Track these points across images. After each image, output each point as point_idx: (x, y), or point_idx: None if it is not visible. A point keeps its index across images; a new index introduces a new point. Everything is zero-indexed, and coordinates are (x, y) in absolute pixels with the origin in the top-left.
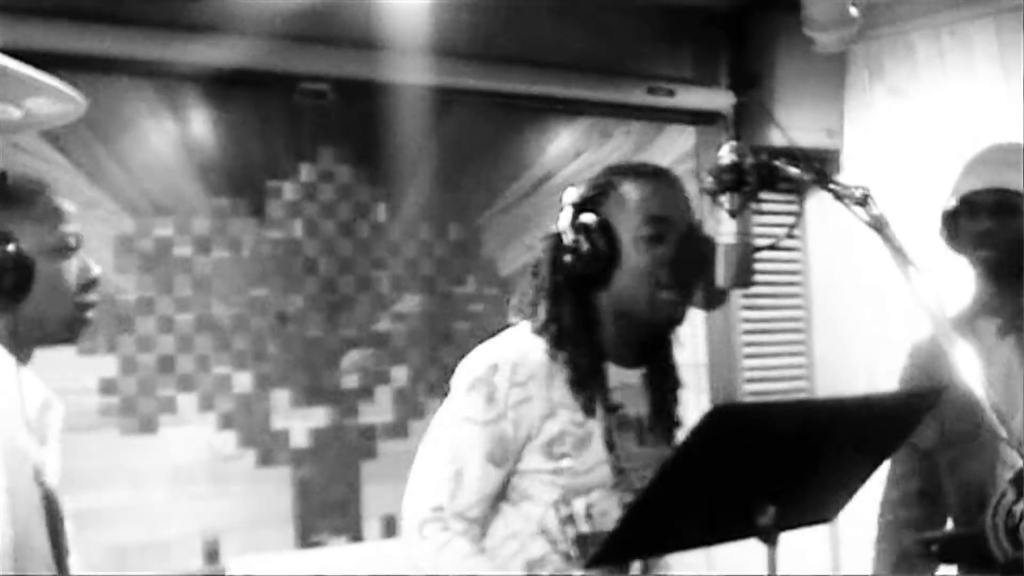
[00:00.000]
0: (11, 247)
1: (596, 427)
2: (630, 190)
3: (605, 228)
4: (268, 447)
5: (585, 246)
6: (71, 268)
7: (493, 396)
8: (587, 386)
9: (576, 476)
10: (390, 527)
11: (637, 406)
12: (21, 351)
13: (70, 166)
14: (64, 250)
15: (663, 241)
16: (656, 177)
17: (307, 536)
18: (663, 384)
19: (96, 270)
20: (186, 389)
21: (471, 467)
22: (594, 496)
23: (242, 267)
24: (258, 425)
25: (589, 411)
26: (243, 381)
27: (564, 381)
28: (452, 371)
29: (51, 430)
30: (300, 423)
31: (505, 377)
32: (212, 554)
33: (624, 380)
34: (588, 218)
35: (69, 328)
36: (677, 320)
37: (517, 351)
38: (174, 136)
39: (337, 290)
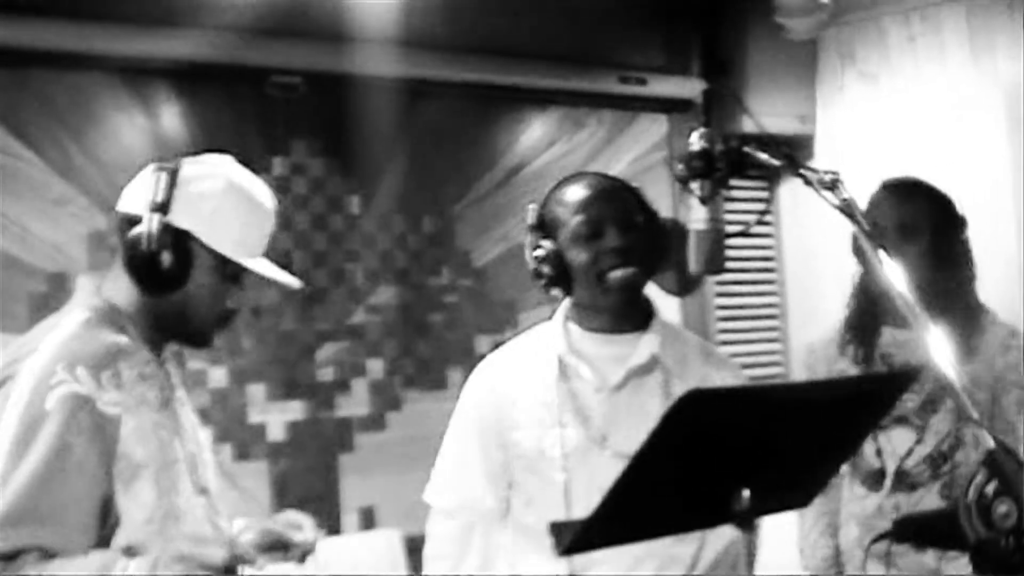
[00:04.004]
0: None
1: None
2: None
3: None
4: (245, 441)
5: None
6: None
7: None
8: None
9: None
10: (368, 519)
11: None
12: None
13: (41, 162)
14: None
15: None
16: None
17: None
18: None
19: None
20: None
21: None
22: None
23: None
24: (234, 419)
25: None
26: (218, 376)
27: None
28: (428, 362)
29: None
30: (276, 417)
31: None
32: None
33: None
34: None
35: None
36: None
37: None
38: (145, 131)
39: (311, 283)
